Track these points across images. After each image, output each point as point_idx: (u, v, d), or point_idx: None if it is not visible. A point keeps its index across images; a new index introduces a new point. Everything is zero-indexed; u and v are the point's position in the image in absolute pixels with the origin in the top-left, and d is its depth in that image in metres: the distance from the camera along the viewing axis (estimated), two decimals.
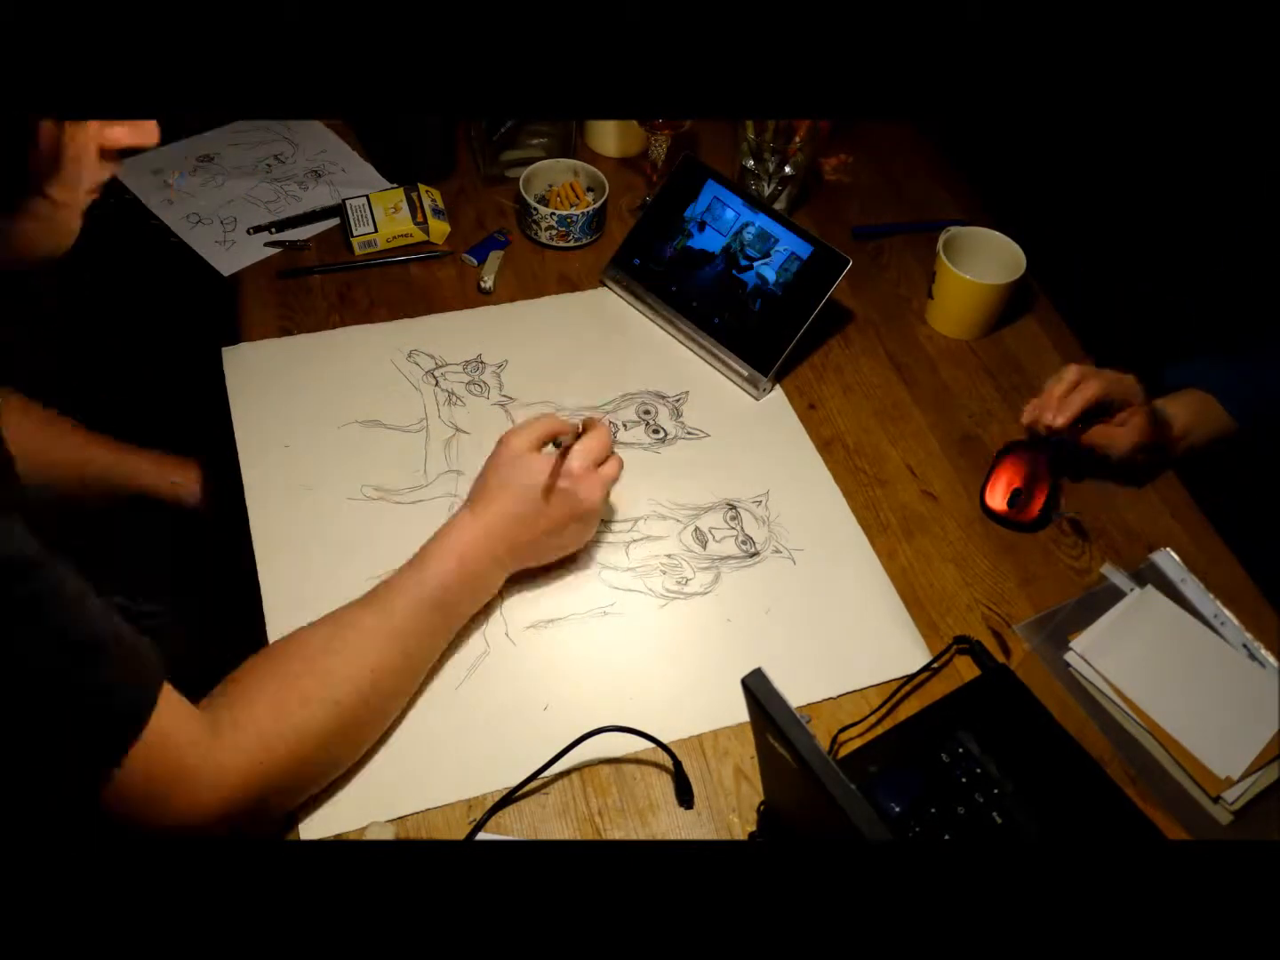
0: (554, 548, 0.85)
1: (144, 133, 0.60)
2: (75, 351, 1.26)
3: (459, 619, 0.80)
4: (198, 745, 0.64)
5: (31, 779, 0.59)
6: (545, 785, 0.76)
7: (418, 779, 0.76)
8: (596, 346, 1.07)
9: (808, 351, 1.08)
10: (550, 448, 0.83)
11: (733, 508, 0.94)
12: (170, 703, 0.63)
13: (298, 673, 0.70)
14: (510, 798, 0.75)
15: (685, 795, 0.76)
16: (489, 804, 0.75)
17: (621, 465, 0.85)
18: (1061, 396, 0.90)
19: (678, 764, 0.76)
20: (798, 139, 1.14)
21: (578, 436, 0.82)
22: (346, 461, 0.94)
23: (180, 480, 1.04)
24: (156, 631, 0.71)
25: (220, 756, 0.64)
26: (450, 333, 1.06)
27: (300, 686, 0.69)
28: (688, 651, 0.85)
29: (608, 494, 0.85)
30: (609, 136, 1.27)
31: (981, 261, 1.10)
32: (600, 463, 0.83)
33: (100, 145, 0.58)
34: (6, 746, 0.57)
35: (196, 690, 0.68)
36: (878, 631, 0.87)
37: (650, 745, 0.77)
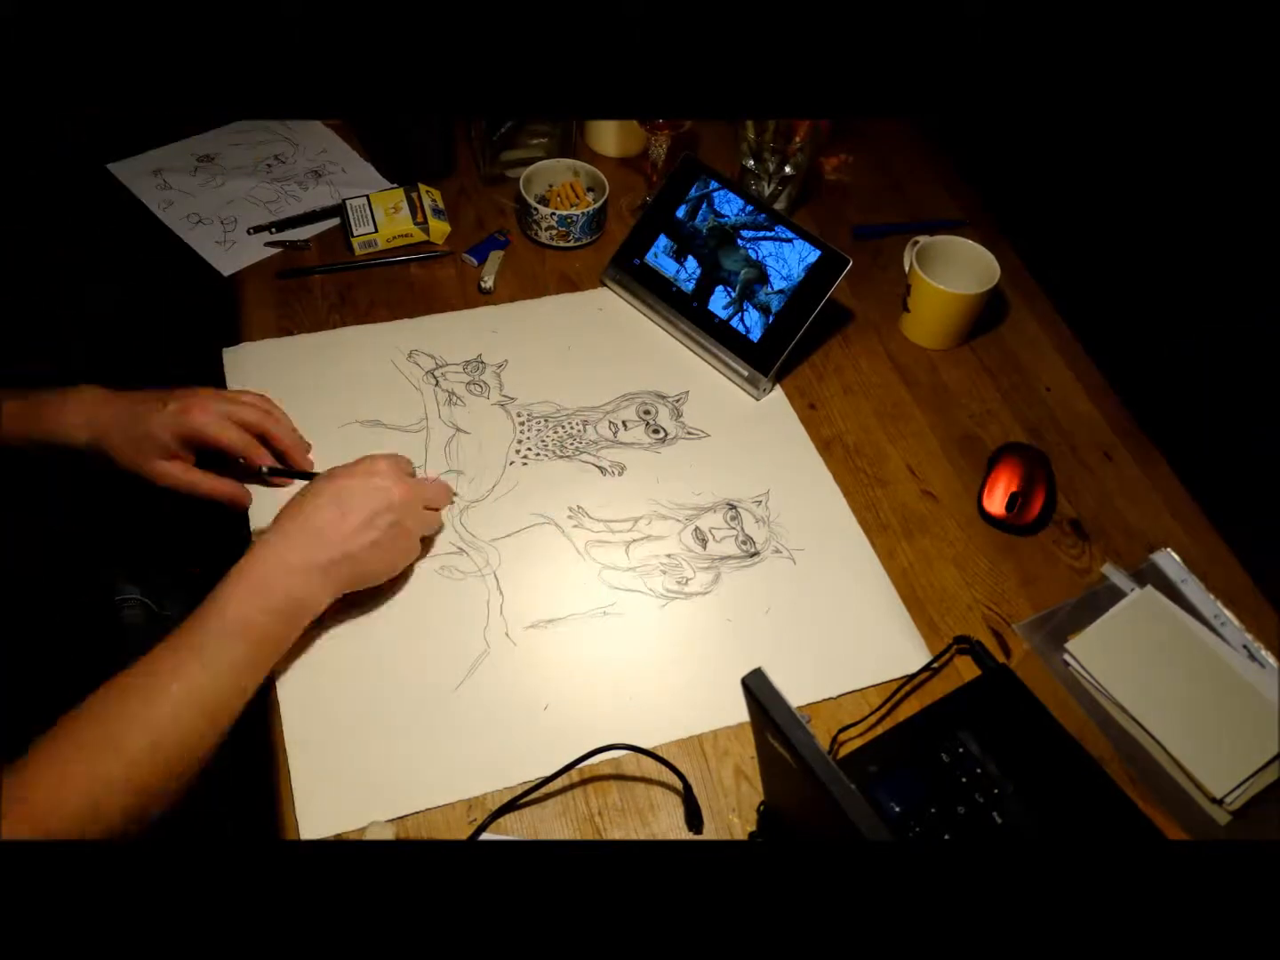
0: (384, 546, 0.80)
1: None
2: (75, 353, 1.26)
3: (273, 645, 0.75)
4: None
5: None
6: (545, 785, 0.76)
7: (418, 779, 0.76)
8: (597, 346, 1.07)
9: (808, 351, 1.08)
10: None
11: (733, 508, 0.94)
12: None
13: (83, 735, 0.65)
14: (515, 804, 0.75)
15: (695, 820, 0.75)
16: (489, 804, 0.75)
17: (447, 489, 0.89)
18: None
19: (688, 787, 0.76)
20: (798, 139, 1.14)
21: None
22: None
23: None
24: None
25: (10, 825, 0.59)
26: (450, 333, 1.06)
27: (86, 749, 0.64)
28: (688, 651, 0.85)
29: (414, 494, 0.83)
30: (609, 136, 1.27)
31: (953, 270, 1.08)
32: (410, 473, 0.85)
33: None
34: None
35: None
36: (878, 631, 0.87)
37: (652, 745, 0.77)
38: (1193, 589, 0.89)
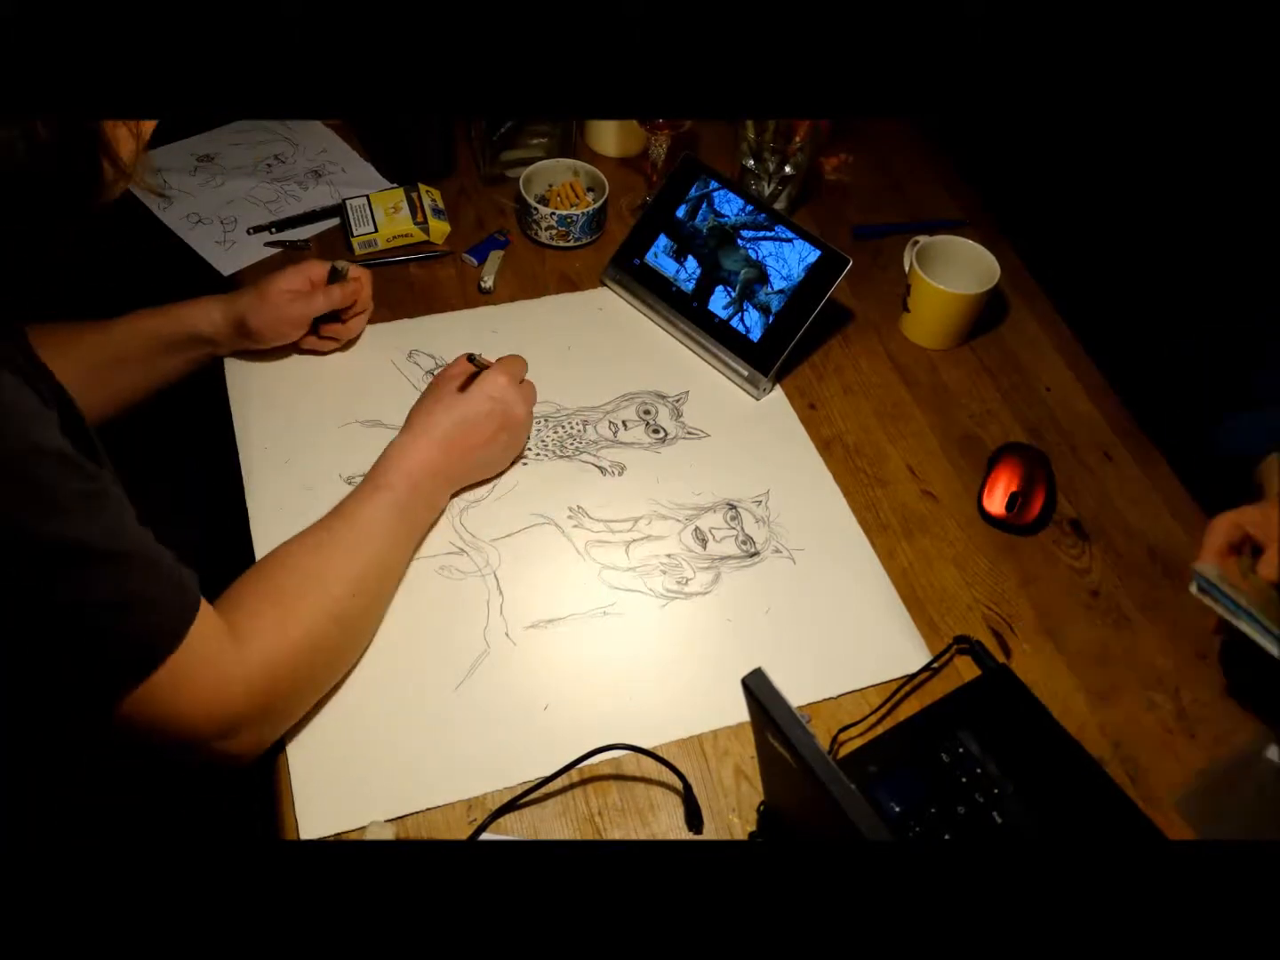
0: (491, 460, 0.92)
1: None
2: None
3: (420, 529, 0.87)
4: (225, 650, 0.67)
5: (68, 682, 0.62)
6: (545, 785, 0.76)
7: (418, 779, 0.76)
8: (596, 346, 1.07)
9: (808, 351, 1.08)
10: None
11: (733, 508, 0.94)
12: (203, 626, 0.66)
13: (291, 576, 0.75)
14: (515, 804, 0.75)
15: (695, 820, 0.75)
16: (489, 804, 0.75)
17: (534, 389, 0.94)
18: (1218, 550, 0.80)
19: (688, 787, 0.76)
20: (798, 139, 1.14)
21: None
22: (348, 461, 0.94)
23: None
24: None
25: (243, 657, 0.68)
26: (450, 333, 1.06)
27: (297, 587, 0.74)
28: (688, 651, 0.85)
29: (531, 408, 0.93)
30: (609, 136, 1.27)
31: (953, 270, 1.08)
32: (520, 381, 0.92)
33: None
34: (50, 645, 0.59)
35: None
36: (878, 631, 0.87)
37: (652, 745, 0.77)
38: None
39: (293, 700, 0.74)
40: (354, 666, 0.80)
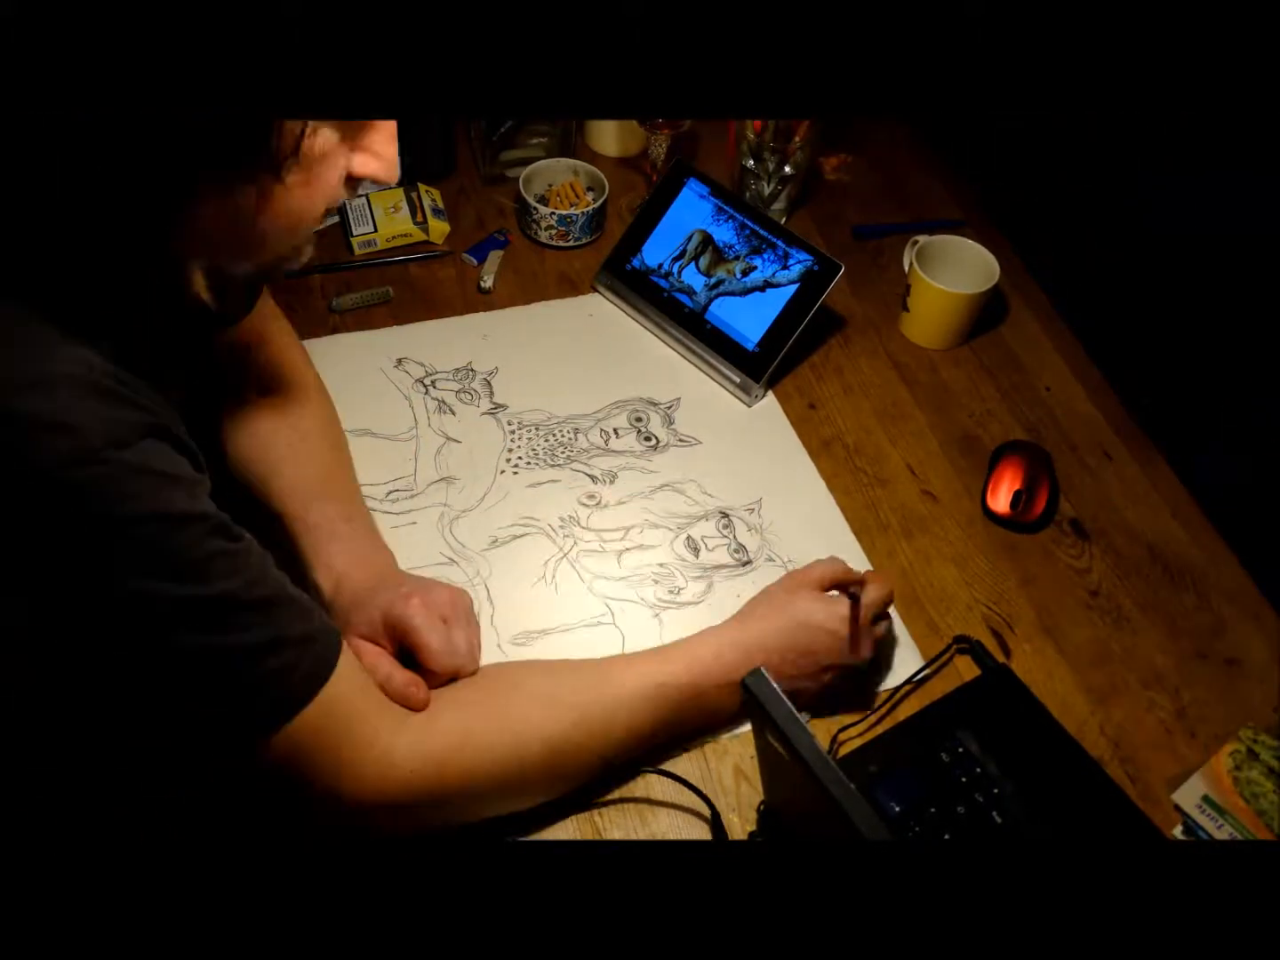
0: (802, 688, 0.78)
1: (389, 171, 0.63)
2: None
3: (676, 728, 0.76)
4: (376, 725, 0.64)
5: (207, 724, 0.59)
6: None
7: None
8: (588, 353, 1.06)
9: (808, 352, 1.08)
10: (835, 592, 0.79)
11: (725, 516, 0.94)
12: (353, 674, 0.64)
13: (498, 708, 0.70)
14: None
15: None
16: None
17: (891, 624, 0.82)
18: None
19: (715, 814, 0.74)
20: (798, 139, 1.14)
21: (860, 585, 0.78)
22: None
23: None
24: None
25: (397, 746, 0.65)
26: (440, 340, 1.05)
27: (496, 722, 0.69)
28: None
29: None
30: (609, 136, 1.27)
31: (953, 270, 1.08)
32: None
33: (346, 171, 0.62)
34: (195, 687, 0.57)
35: None
36: None
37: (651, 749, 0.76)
38: None
39: (423, 816, 0.68)
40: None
